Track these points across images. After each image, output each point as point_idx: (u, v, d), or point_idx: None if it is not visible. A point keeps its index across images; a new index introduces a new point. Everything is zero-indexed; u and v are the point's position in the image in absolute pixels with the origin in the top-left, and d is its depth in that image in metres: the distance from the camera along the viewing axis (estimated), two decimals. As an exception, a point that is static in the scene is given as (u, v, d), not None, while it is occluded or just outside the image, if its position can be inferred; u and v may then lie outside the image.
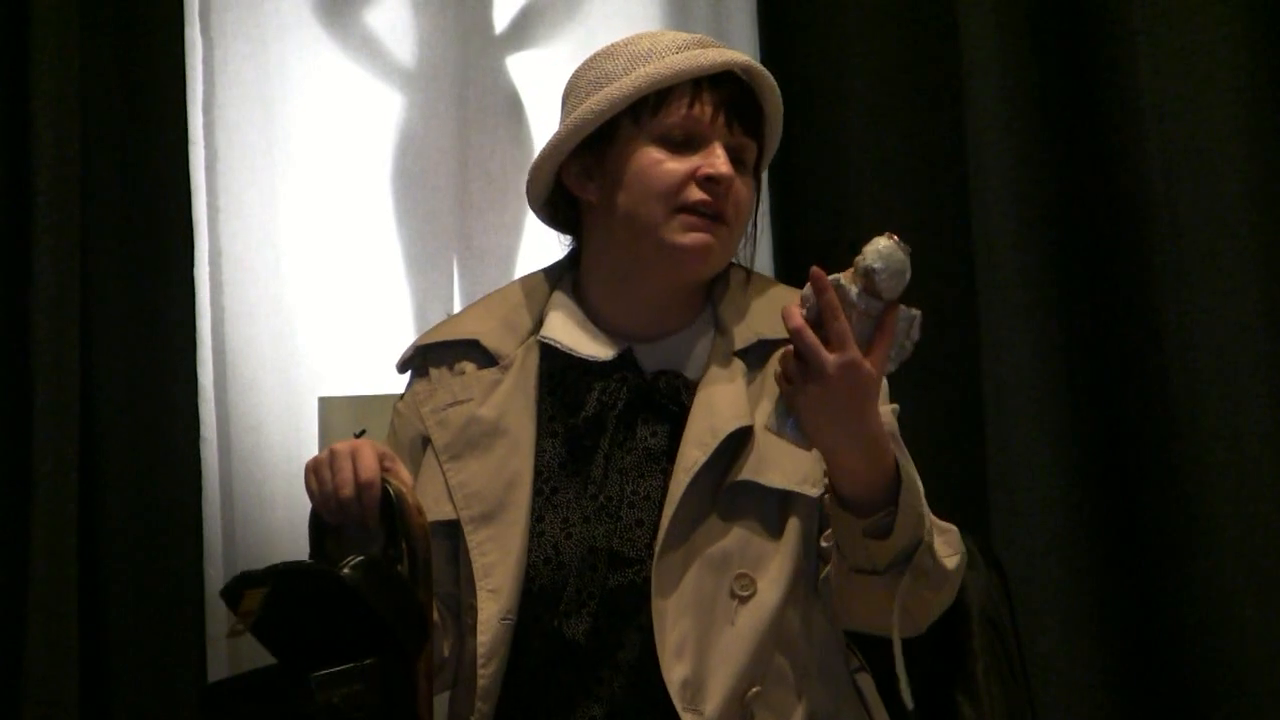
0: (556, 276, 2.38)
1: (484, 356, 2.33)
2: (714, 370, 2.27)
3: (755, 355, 2.27)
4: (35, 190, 3.22)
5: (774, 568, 2.21)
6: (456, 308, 3.45)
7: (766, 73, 2.30)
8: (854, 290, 2.00)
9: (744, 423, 2.21)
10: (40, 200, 3.22)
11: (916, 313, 2.04)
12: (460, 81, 3.53)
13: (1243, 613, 3.19)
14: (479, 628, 2.22)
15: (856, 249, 2.03)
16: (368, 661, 2.00)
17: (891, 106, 3.41)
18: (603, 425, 2.27)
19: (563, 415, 2.30)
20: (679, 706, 2.15)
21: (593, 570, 2.22)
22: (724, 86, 2.26)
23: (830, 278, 2.00)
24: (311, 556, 2.17)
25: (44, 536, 3.18)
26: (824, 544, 2.21)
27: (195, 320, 3.36)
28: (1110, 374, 3.29)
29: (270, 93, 3.48)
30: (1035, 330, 3.30)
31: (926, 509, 2.13)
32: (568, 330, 2.31)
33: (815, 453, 2.12)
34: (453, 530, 2.26)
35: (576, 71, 2.34)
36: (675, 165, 2.24)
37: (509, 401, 2.29)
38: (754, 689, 2.18)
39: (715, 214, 2.24)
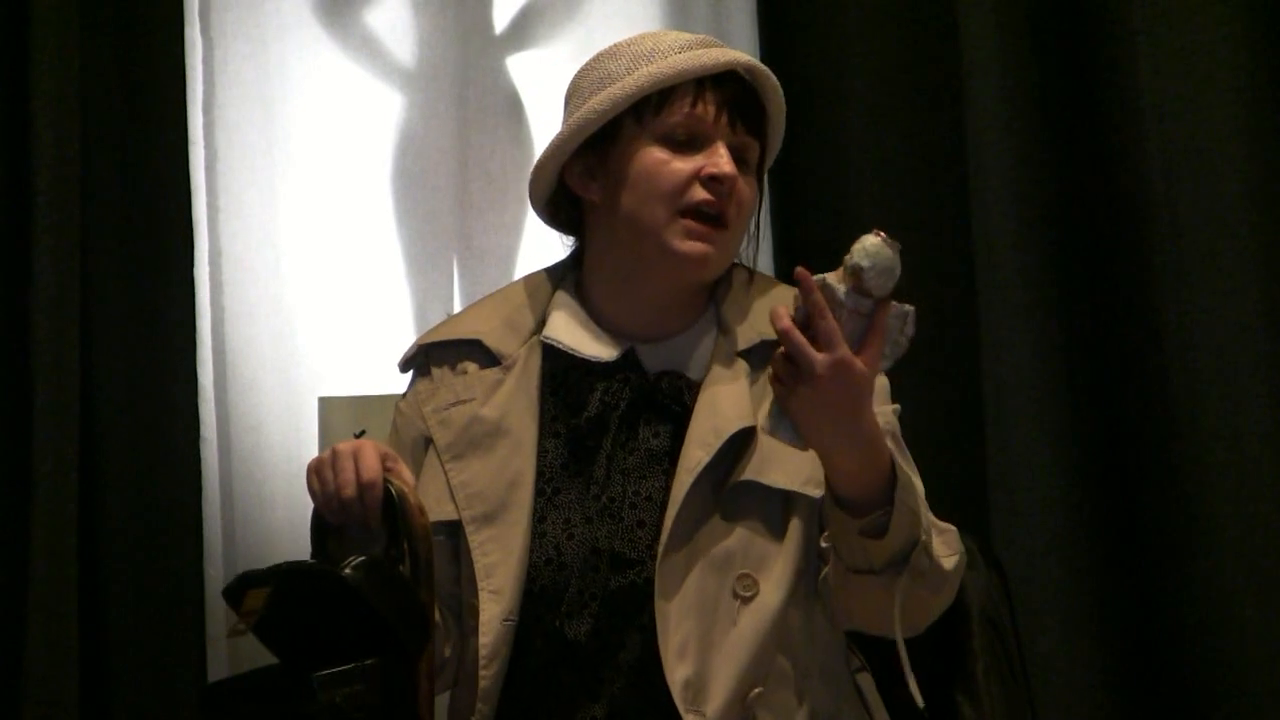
0: (559, 276, 2.38)
1: (486, 356, 2.32)
2: (717, 371, 2.26)
3: (758, 355, 2.26)
4: (35, 190, 3.23)
5: (776, 568, 2.20)
6: (457, 308, 3.45)
7: (769, 72, 2.29)
8: (842, 289, 2.00)
9: (747, 423, 2.21)
10: (40, 200, 3.22)
11: (909, 309, 2.04)
12: (460, 81, 3.53)
13: (1243, 613, 3.19)
14: (481, 629, 2.22)
15: (854, 249, 2.04)
16: (369, 662, 2.00)
17: (891, 106, 3.41)
18: (605, 426, 2.26)
19: (565, 415, 2.29)
20: (681, 708, 2.15)
21: (595, 571, 2.22)
22: (727, 86, 2.26)
23: (817, 277, 2.00)
24: (313, 556, 2.17)
25: (44, 536, 3.19)
26: (823, 544, 2.21)
27: (195, 320, 3.36)
28: (1110, 374, 3.30)
29: (270, 93, 3.48)
30: (1035, 330, 3.30)
31: (924, 509, 2.13)
32: (570, 331, 2.31)
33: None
34: (454, 530, 2.26)
35: (579, 71, 2.34)
36: (678, 165, 2.24)
37: (511, 401, 2.29)
38: (756, 690, 2.18)
39: (718, 214, 2.23)
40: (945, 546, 2.18)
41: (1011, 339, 3.30)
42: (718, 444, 2.21)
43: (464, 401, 2.31)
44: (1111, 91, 3.29)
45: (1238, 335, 3.23)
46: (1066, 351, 3.31)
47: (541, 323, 2.33)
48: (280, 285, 3.45)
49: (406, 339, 2.44)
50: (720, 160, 2.23)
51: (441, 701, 2.25)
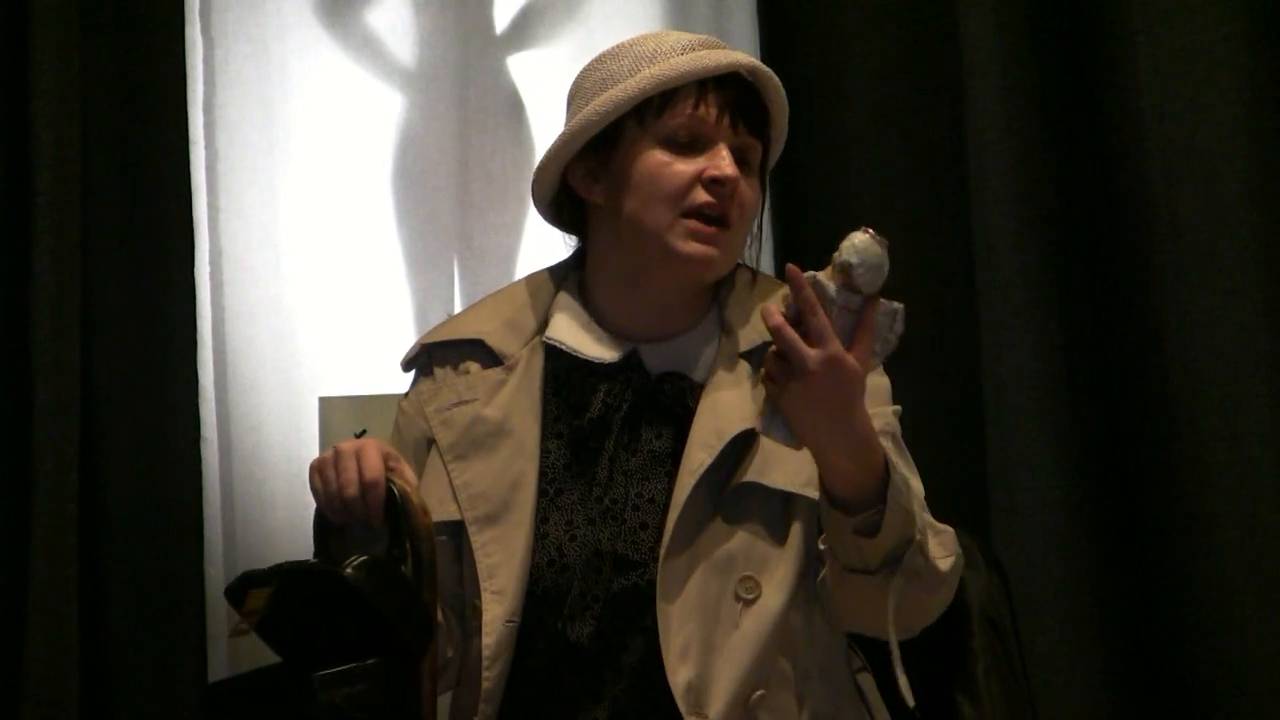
0: (561, 276, 2.38)
1: (489, 356, 2.32)
2: (719, 372, 2.26)
3: (760, 357, 2.25)
4: (36, 190, 3.22)
5: (778, 570, 2.20)
6: (457, 308, 3.45)
7: (771, 74, 2.29)
8: (832, 287, 2.00)
9: (749, 425, 2.20)
10: (40, 200, 3.22)
11: (899, 306, 2.04)
12: (461, 82, 3.53)
13: (1243, 613, 3.20)
14: (484, 629, 2.22)
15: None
16: (370, 661, 2.00)
17: (891, 106, 3.41)
18: (608, 427, 2.26)
19: (567, 416, 2.29)
20: (683, 710, 2.15)
21: (597, 573, 2.22)
22: (729, 88, 2.26)
23: (808, 274, 2.00)
24: (316, 556, 2.16)
25: (44, 536, 3.19)
26: (821, 545, 2.21)
27: (196, 320, 3.36)
28: (1110, 374, 3.30)
29: (271, 93, 3.48)
30: (1035, 330, 3.31)
31: (919, 508, 2.13)
32: (572, 332, 2.31)
33: None
34: (457, 530, 2.26)
35: (582, 72, 2.34)
36: (680, 167, 2.23)
37: (513, 402, 2.29)
38: (758, 692, 2.18)
39: (720, 216, 2.23)
40: (941, 547, 2.17)
41: (1011, 339, 3.30)
42: (720, 446, 2.20)
43: (466, 402, 2.31)
44: (1111, 91, 3.29)
45: (1238, 335, 3.23)
46: (1066, 351, 3.31)
47: (544, 323, 2.33)
48: (281, 285, 3.46)
49: (407, 339, 2.44)
50: (722, 163, 2.23)
51: (443, 702, 2.25)
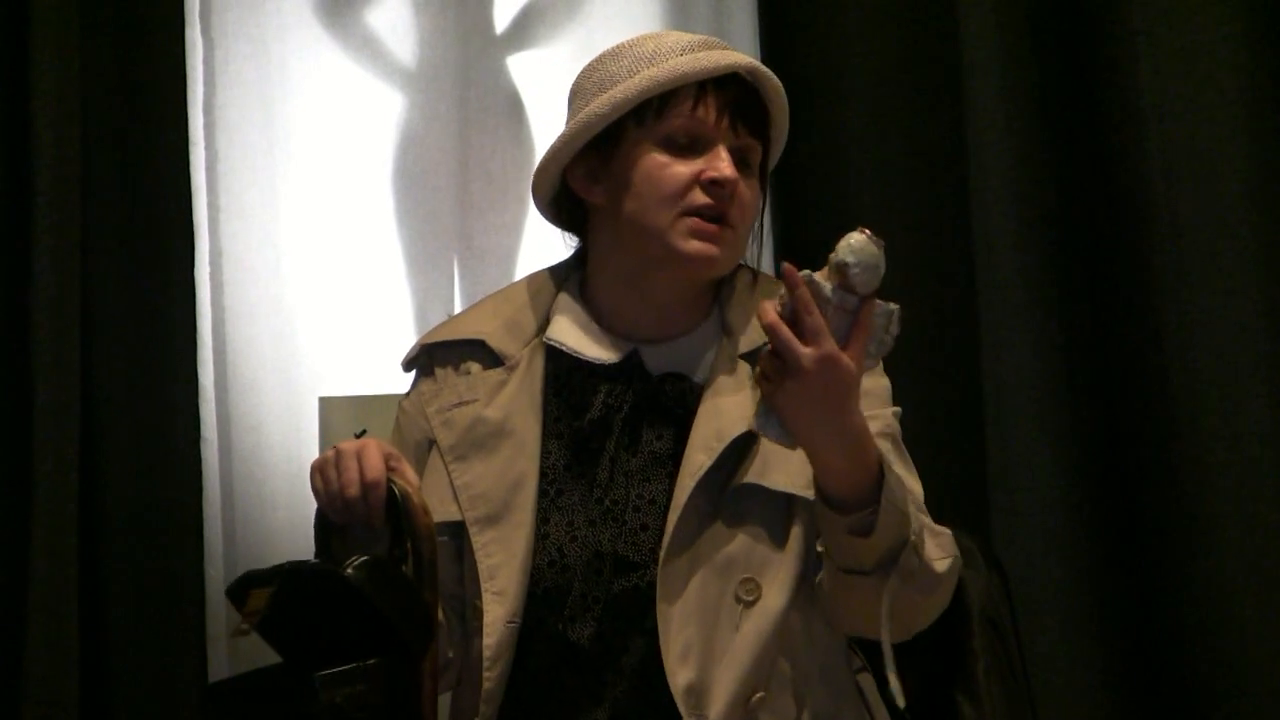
0: (562, 276, 2.37)
1: (490, 357, 2.32)
2: (720, 373, 2.26)
3: (762, 359, 2.27)
4: (36, 190, 3.23)
5: (778, 572, 2.20)
6: (457, 308, 3.45)
7: (771, 74, 2.28)
8: (828, 286, 2.00)
9: (749, 427, 2.21)
10: (41, 200, 3.22)
11: (894, 307, 2.04)
12: (461, 82, 3.53)
13: (1243, 613, 3.20)
14: (484, 630, 2.21)
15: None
16: (371, 662, 2.00)
17: (891, 106, 3.41)
18: (608, 428, 2.26)
19: (568, 417, 2.29)
20: (684, 712, 2.15)
21: (598, 574, 2.22)
22: (728, 88, 2.25)
23: (803, 273, 2.00)
24: (317, 556, 2.16)
25: (44, 536, 3.19)
26: (820, 547, 2.21)
27: (196, 320, 3.36)
28: (1110, 374, 3.30)
29: (271, 93, 3.48)
30: (1035, 330, 3.31)
31: (913, 509, 2.12)
32: (573, 333, 2.30)
33: None
34: (458, 531, 2.25)
35: (582, 72, 2.33)
36: (679, 169, 2.23)
37: (514, 402, 2.29)
38: (758, 694, 2.18)
39: (720, 215, 2.23)
40: (939, 549, 2.17)
41: (1011, 339, 3.30)
42: (720, 448, 2.20)
43: (467, 402, 2.30)
44: (1112, 92, 3.29)
45: (1238, 335, 3.23)
46: (1066, 351, 3.31)
47: (544, 323, 2.33)
48: (281, 285, 3.46)
49: (407, 339, 2.44)
50: (721, 164, 2.22)
51: (443, 702, 2.25)
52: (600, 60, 2.31)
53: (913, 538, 2.09)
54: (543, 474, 2.27)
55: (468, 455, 2.28)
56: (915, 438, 2.33)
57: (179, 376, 3.34)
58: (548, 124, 3.50)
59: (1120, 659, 3.26)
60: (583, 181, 2.29)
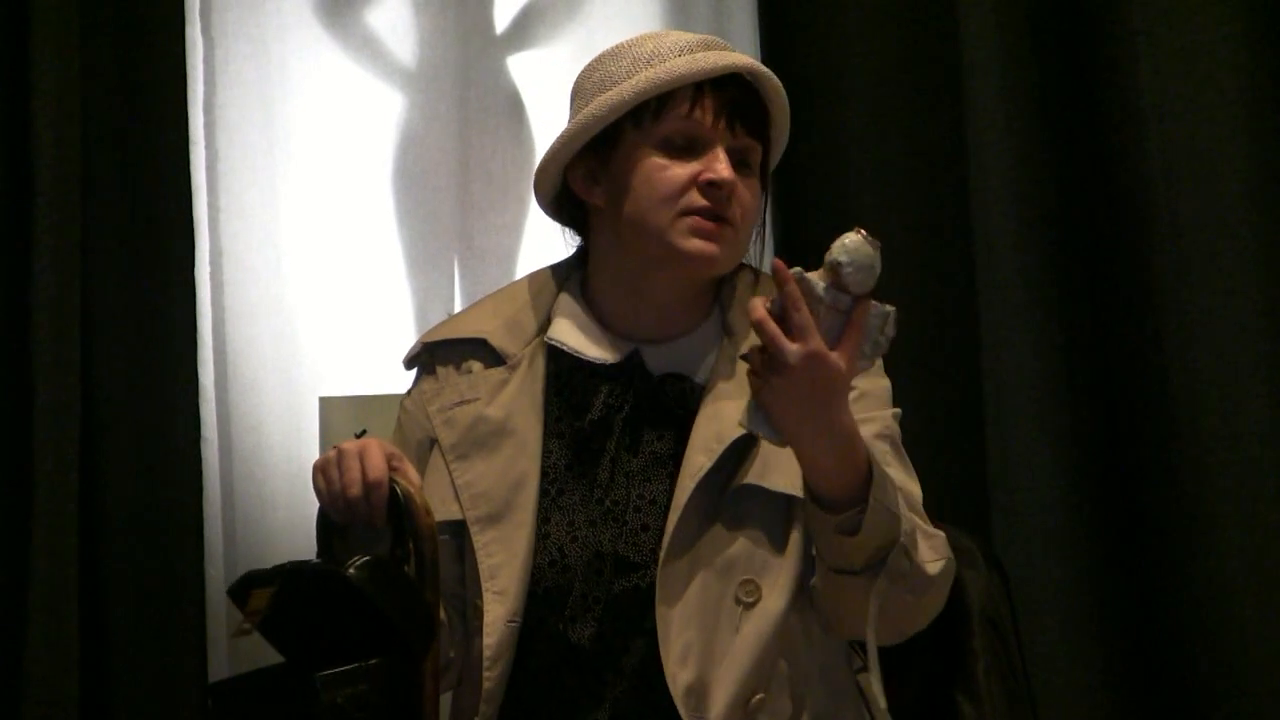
0: (564, 275, 2.38)
1: (491, 355, 2.32)
2: (721, 374, 2.26)
3: (761, 359, 2.26)
4: (36, 190, 3.22)
5: (778, 573, 2.20)
6: (457, 308, 3.45)
7: (771, 74, 2.28)
8: (821, 285, 2.00)
9: (740, 423, 2.20)
10: (41, 200, 3.22)
11: (890, 309, 2.04)
12: (461, 82, 3.53)
13: (1243, 613, 3.20)
14: (485, 630, 2.22)
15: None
16: (373, 662, 2.00)
17: (891, 106, 3.41)
18: (609, 429, 2.26)
19: (569, 417, 2.29)
20: (683, 713, 2.15)
21: (598, 575, 2.22)
22: (726, 89, 2.25)
23: (794, 270, 2.00)
24: (319, 556, 2.17)
25: (44, 536, 3.19)
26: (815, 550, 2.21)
27: (196, 320, 3.35)
28: (1110, 374, 3.30)
29: (271, 93, 3.48)
30: (1035, 330, 3.31)
31: (905, 510, 2.12)
32: (574, 333, 2.30)
33: None
34: (459, 530, 2.25)
35: (583, 72, 2.33)
36: (676, 171, 2.23)
37: (516, 402, 2.29)
38: (758, 695, 2.18)
39: (718, 215, 2.23)
40: (932, 551, 2.17)
41: (1011, 339, 3.30)
42: (720, 449, 2.20)
43: (469, 401, 2.31)
44: (1112, 91, 3.29)
45: (1238, 335, 3.23)
46: (1066, 351, 3.31)
47: (546, 323, 2.33)
48: (281, 285, 3.46)
49: (407, 339, 2.44)
50: (719, 166, 2.22)
51: (444, 702, 2.25)
52: (600, 60, 2.31)
53: (903, 539, 2.09)
54: (544, 473, 2.27)
55: (469, 454, 2.28)
56: (915, 438, 2.33)
57: (179, 376, 3.34)
58: (548, 124, 3.50)
59: (1120, 659, 3.26)
60: (582, 182, 2.30)
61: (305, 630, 2.02)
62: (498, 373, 2.31)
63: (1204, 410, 3.23)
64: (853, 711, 2.27)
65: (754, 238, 2.32)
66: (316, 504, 2.19)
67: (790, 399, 2.01)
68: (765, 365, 2.01)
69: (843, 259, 1.99)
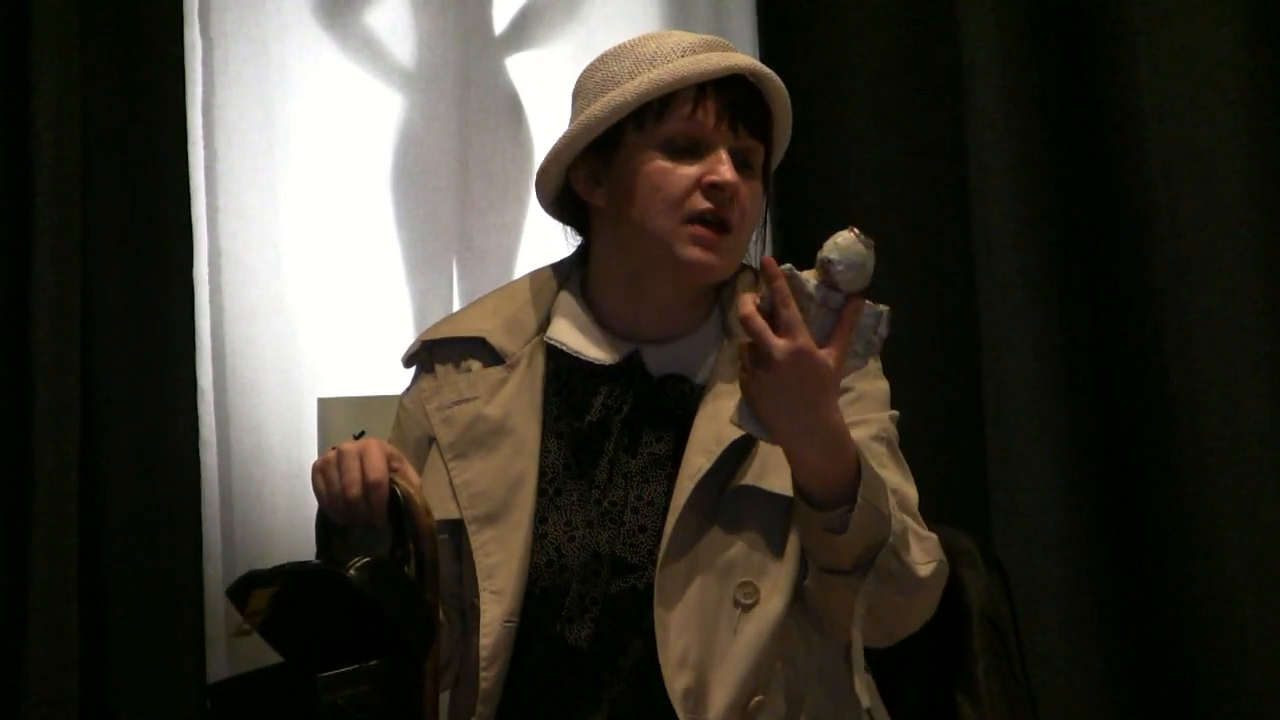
0: (565, 274, 2.37)
1: (490, 354, 2.32)
2: (721, 376, 2.25)
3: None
4: (36, 190, 3.23)
5: (777, 575, 2.19)
6: (456, 308, 3.45)
7: (773, 74, 2.27)
8: (811, 282, 2.00)
9: (731, 419, 2.19)
10: (40, 200, 3.23)
11: (884, 308, 2.03)
12: (460, 82, 3.53)
13: (1243, 613, 3.20)
14: (482, 630, 2.21)
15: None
16: (373, 663, 2.00)
17: (891, 106, 3.41)
18: (608, 429, 2.26)
19: (568, 417, 2.29)
20: (682, 716, 2.14)
21: (595, 575, 2.21)
22: (729, 90, 2.24)
23: (784, 266, 1.99)
24: (318, 556, 2.16)
25: (44, 536, 3.19)
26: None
27: (195, 321, 3.36)
28: (1110, 374, 3.30)
29: (270, 93, 3.48)
30: (1035, 330, 3.31)
31: (896, 511, 2.10)
32: (573, 333, 2.30)
33: None
34: (456, 529, 2.25)
35: (585, 71, 2.33)
36: (679, 173, 2.22)
37: (514, 401, 2.28)
38: (756, 697, 2.17)
39: (721, 220, 2.22)
40: (924, 553, 2.15)
41: (1011, 339, 3.30)
42: (719, 451, 2.20)
43: (467, 400, 2.30)
44: (1112, 91, 3.29)
45: (1238, 335, 3.24)
46: (1066, 351, 3.31)
47: (546, 321, 2.33)
48: (280, 286, 3.46)
49: (407, 340, 2.43)
50: (722, 168, 2.22)
51: (443, 701, 2.25)
52: (602, 60, 2.30)
53: (892, 540, 2.08)
54: (542, 473, 2.26)
55: (467, 453, 2.28)
56: (915, 438, 2.33)
57: (178, 377, 3.34)
58: (547, 124, 3.50)
59: (1120, 659, 3.26)
60: (584, 183, 2.29)
61: (305, 631, 2.02)
62: (496, 372, 2.31)
63: (1204, 410, 3.23)
64: (851, 713, 2.25)
65: (755, 238, 2.32)
66: (315, 505, 2.18)
67: (777, 395, 2.00)
68: (753, 360, 2.01)
69: (833, 256, 1.98)
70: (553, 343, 2.30)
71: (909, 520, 2.16)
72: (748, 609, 2.18)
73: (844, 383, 2.16)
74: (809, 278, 1.99)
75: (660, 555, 2.17)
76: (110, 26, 3.35)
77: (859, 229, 1.99)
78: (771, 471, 2.19)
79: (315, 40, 3.52)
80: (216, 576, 3.34)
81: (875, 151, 3.40)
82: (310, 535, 2.20)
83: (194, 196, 3.39)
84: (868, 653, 2.25)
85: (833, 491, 2.06)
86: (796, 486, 2.09)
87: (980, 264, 3.32)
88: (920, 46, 3.41)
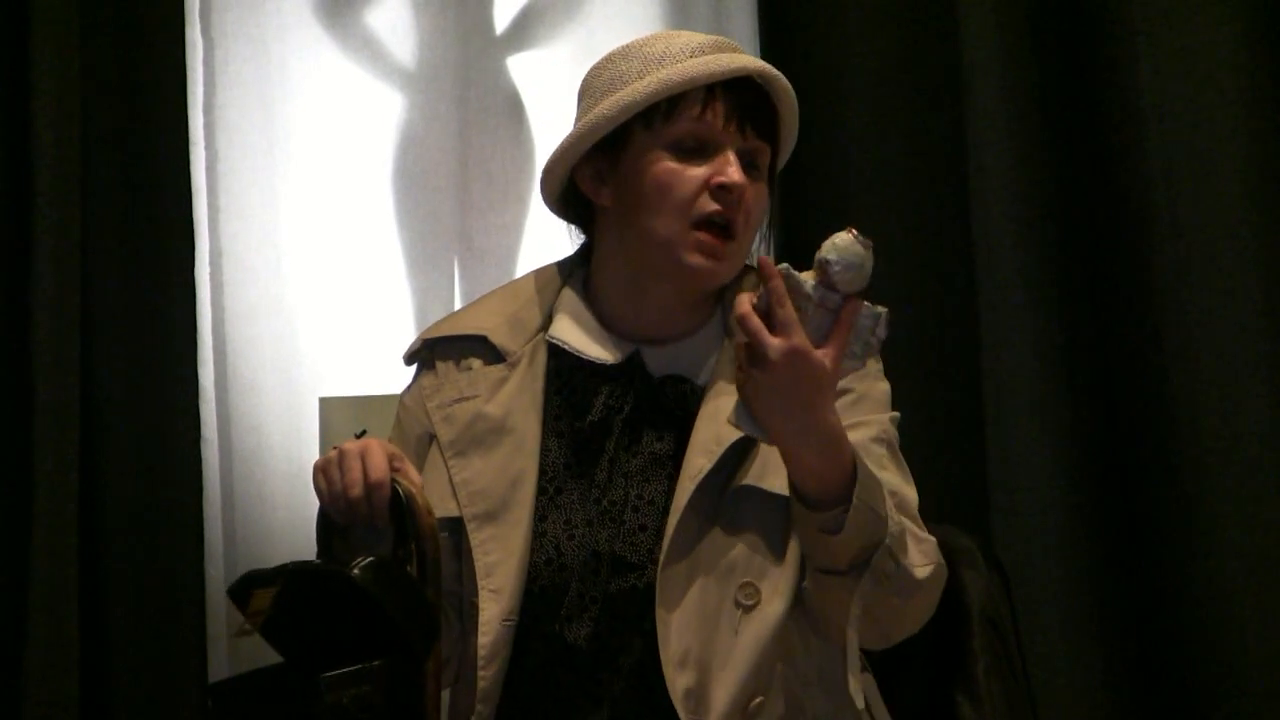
0: (568, 273, 2.37)
1: (491, 352, 2.32)
2: (722, 376, 2.25)
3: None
4: (36, 191, 3.23)
5: (778, 576, 2.19)
6: (457, 308, 3.45)
7: (780, 75, 2.27)
8: (809, 283, 2.00)
9: (728, 419, 2.19)
10: (41, 201, 3.23)
11: (882, 310, 2.03)
12: (461, 82, 3.53)
13: (1243, 613, 3.20)
14: (480, 629, 2.21)
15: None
16: (377, 663, 2.00)
17: (891, 106, 3.41)
18: (608, 429, 2.26)
19: (569, 416, 2.29)
20: (683, 716, 2.14)
21: (595, 575, 2.21)
22: (737, 91, 2.24)
23: (781, 266, 1.99)
24: (319, 556, 2.17)
25: (44, 536, 3.19)
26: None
27: (196, 321, 3.36)
28: (1110, 374, 3.30)
29: (271, 93, 3.49)
30: (1035, 330, 3.31)
31: (893, 512, 2.10)
32: (575, 332, 2.30)
33: None
34: (456, 527, 2.25)
35: (592, 70, 2.32)
36: (687, 174, 2.22)
37: (515, 399, 2.28)
38: (757, 699, 2.17)
39: (727, 224, 2.22)
40: (921, 555, 2.16)
41: (1011, 339, 3.30)
42: (720, 452, 2.20)
43: (468, 398, 2.30)
44: (1112, 92, 3.29)
45: (1238, 335, 3.23)
46: (1066, 351, 3.31)
47: (548, 320, 2.33)
48: (281, 286, 3.46)
49: (407, 339, 2.43)
50: (729, 169, 2.21)
51: (445, 701, 2.25)
52: (610, 59, 2.30)
53: (889, 541, 2.08)
54: (542, 471, 2.26)
55: (467, 451, 2.28)
56: (915, 438, 2.33)
57: (179, 377, 3.34)
58: (548, 124, 3.50)
59: (1120, 659, 3.26)
60: (590, 182, 2.29)
61: (307, 631, 2.02)
62: (497, 370, 2.31)
63: (1204, 410, 3.23)
64: (851, 714, 2.26)
65: (760, 238, 2.31)
66: (317, 504, 2.18)
67: (772, 395, 2.00)
68: (749, 360, 2.01)
69: (831, 257, 1.99)
70: (554, 341, 2.30)
71: (907, 522, 2.16)
72: (749, 610, 2.18)
73: (845, 384, 2.17)
74: (807, 278, 2.00)
75: (661, 556, 2.17)
76: (110, 26, 3.36)
77: (857, 230, 1.99)
78: (772, 472, 2.18)
79: (316, 40, 3.52)
80: (218, 576, 3.35)
81: (875, 151, 3.40)
82: (311, 535, 2.20)
83: (195, 196, 3.39)
84: (869, 653, 2.27)
85: (828, 492, 2.06)
86: (792, 487, 2.09)
87: (980, 264, 3.32)
88: (920, 46, 3.41)
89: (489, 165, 3.53)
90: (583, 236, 2.38)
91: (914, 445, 2.30)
